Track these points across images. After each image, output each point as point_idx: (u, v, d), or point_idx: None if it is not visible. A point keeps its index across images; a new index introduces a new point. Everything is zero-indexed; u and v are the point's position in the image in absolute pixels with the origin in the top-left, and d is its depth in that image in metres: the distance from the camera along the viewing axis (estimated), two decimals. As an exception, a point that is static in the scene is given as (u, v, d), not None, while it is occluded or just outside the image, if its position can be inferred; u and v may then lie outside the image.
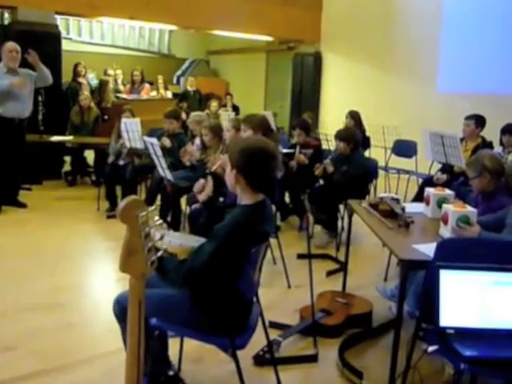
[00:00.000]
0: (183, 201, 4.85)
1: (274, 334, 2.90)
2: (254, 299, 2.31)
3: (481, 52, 7.64)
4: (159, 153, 4.31)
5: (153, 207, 1.38)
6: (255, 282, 2.19)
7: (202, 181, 2.37)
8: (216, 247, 1.89)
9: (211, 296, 2.00)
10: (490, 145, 5.18)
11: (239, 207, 2.06)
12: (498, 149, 5.08)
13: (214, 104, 8.97)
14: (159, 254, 1.37)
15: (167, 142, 5.28)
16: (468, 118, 5.33)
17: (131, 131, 5.37)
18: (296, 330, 2.97)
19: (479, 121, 5.30)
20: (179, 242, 2.02)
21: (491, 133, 5.31)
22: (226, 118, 7.12)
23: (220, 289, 1.98)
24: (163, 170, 4.39)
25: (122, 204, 1.32)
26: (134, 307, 1.30)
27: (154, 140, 4.48)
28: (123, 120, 5.51)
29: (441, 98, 8.11)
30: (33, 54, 5.31)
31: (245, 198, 2.06)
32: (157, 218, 1.41)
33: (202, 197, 2.35)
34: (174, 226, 4.72)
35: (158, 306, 2.02)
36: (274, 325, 3.05)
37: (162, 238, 1.39)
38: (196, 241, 2.03)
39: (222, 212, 2.13)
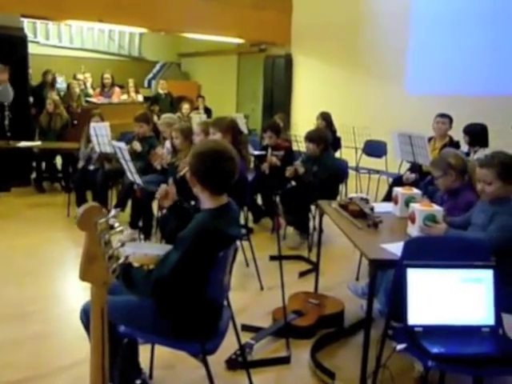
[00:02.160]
0: (155, 205, 4.81)
1: (246, 337, 2.90)
2: (225, 303, 2.30)
3: (448, 53, 7.79)
4: (127, 157, 4.27)
5: (112, 213, 1.36)
6: (225, 285, 2.18)
7: (164, 186, 2.34)
8: (182, 255, 1.87)
9: (179, 303, 1.97)
10: (456, 144, 5.28)
11: (202, 212, 2.04)
12: (464, 148, 5.18)
13: (185, 106, 8.92)
14: (120, 261, 1.35)
15: (138, 145, 5.24)
16: (442, 116, 5.37)
17: (100, 135, 5.31)
18: (268, 332, 2.97)
19: (451, 120, 5.39)
20: (144, 251, 2.00)
21: (456, 133, 5.42)
22: (197, 120, 7.08)
23: (188, 296, 1.96)
24: (132, 174, 4.34)
25: (80, 211, 1.30)
26: (97, 316, 1.28)
27: (122, 144, 4.43)
28: (92, 124, 5.44)
29: (409, 99, 8.24)
30: (5, 70, 5.14)
31: (207, 203, 2.05)
32: (117, 224, 1.39)
33: (166, 203, 2.33)
34: (146, 231, 4.68)
35: (126, 314, 2.00)
36: (246, 328, 3.05)
37: (122, 245, 1.37)
38: (161, 249, 2.01)
39: (190, 216, 2.10)
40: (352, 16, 9.09)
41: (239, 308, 3.31)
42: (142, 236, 4.80)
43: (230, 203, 2.09)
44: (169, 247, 1.97)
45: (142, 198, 4.58)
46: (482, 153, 4.91)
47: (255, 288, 3.78)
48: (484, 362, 1.93)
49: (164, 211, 4.02)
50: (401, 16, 8.40)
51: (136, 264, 1.97)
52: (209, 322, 2.03)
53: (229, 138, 3.66)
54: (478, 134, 5.11)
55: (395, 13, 8.48)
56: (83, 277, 1.27)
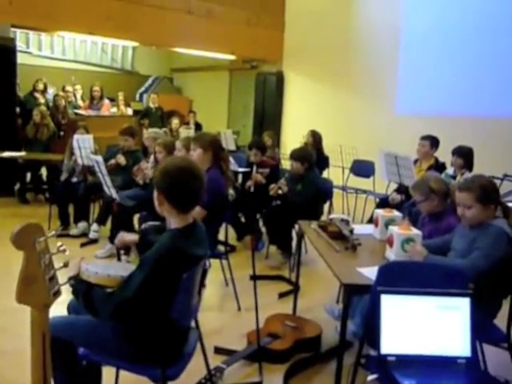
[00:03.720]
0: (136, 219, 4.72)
1: (219, 360, 2.81)
2: (193, 325, 2.21)
3: (438, 74, 7.83)
4: (104, 171, 4.21)
5: (52, 232, 1.28)
6: (193, 307, 2.09)
7: (120, 236, 2.37)
8: (145, 276, 1.80)
9: (141, 326, 1.90)
10: (442, 165, 5.25)
11: (167, 232, 1.98)
12: (450, 170, 5.15)
13: (175, 121, 8.91)
14: (64, 283, 1.26)
15: (122, 159, 5.18)
16: (424, 138, 5.40)
17: (84, 148, 5.25)
18: (241, 355, 2.87)
19: (434, 142, 5.37)
20: (107, 272, 1.92)
21: (445, 154, 5.39)
22: (186, 135, 7.05)
23: (150, 318, 1.88)
24: (108, 188, 4.28)
25: (16, 229, 1.22)
26: (37, 341, 1.20)
27: (99, 158, 4.39)
28: (75, 136, 5.38)
29: (398, 119, 8.26)
30: None
31: (173, 222, 1.98)
32: (59, 243, 1.31)
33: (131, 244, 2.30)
34: (123, 248, 4.57)
35: (86, 334, 1.91)
36: (219, 350, 2.95)
37: (65, 265, 1.29)
38: (125, 270, 1.93)
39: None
40: (343, 35, 9.14)
41: (214, 329, 3.23)
42: (122, 251, 4.70)
43: (197, 223, 2.02)
44: (132, 268, 1.90)
45: (119, 212, 4.49)
46: (467, 175, 4.89)
47: (232, 308, 3.68)
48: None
49: (144, 225, 3.94)
50: (391, 36, 8.45)
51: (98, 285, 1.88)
52: (171, 345, 1.94)
53: (210, 154, 3.60)
54: (469, 156, 5.10)
55: (385, 33, 8.54)
56: (19, 299, 1.19)
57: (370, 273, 2.35)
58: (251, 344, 2.99)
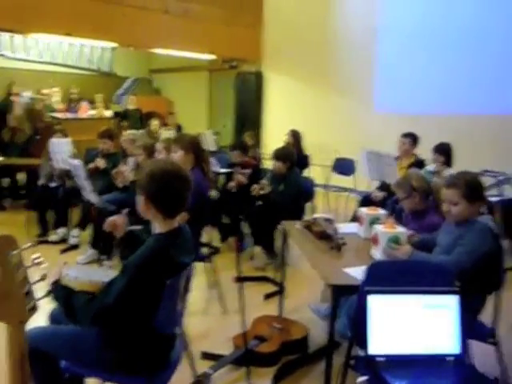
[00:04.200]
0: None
1: (206, 366, 2.76)
2: (179, 331, 2.16)
3: (415, 73, 7.88)
4: (83, 175, 4.12)
5: (28, 244, 1.22)
6: (178, 314, 2.04)
7: (110, 219, 2.22)
8: (127, 282, 1.74)
9: (124, 334, 1.84)
10: (422, 162, 5.28)
11: (152, 237, 1.91)
12: (430, 166, 5.17)
13: (154, 123, 8.81)
14: (42, 297, 1.21)
15: (101, 162, 5.09)
16: (404, 135, 5.43)
17: (61, 152, 5.15)
18: (228, 360, 2.83)
19: (414, 139, 5.41)
20: (88, 277, 1.86)
21: (424, 151, 5.43)
22: (166, 136, 6.97)
23: (134, 326, 1.82)
24: (88, 193, 4.19)
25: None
26: (14, 359, 1.14)
27: (77, 162, 4.30)
28: (53, 140, 5.27)
29: (377, 118, 8.29)
30: None
31: (157, 226, 1.92)
32: (35, 256, 1.25)
33: (117, 234, 2.21)
34: (107, 251, 4.49)
35: (67, 346, 1.85)
36: (206, 355, 2.90)
37: (42, 279, 1.23)
38: (107, 275, 1.88)
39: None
40: (322, 35, 9.14)
41: (200, 334, 3.17)
42: (103, 257, 4.62)
43: (182, 227, 1.97)
44: (114, 273, 1.84)
45: (99, 217, 4.40)
46: (447, 172, 4.92)
47: (218, 312, 3.64)
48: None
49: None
50: (368, 35, 8.48)
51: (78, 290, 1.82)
52: (157, 353, 1.89)
53: (191, 156, 3.55)
54: (449, 153, 5.13)
55: (363, 32, 8.57)
56: (-6, 315, 1.13)
57: (357, 273, 2.33)
58: (238, 347, 2.95)
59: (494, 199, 3.77)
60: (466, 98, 7.34)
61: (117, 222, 2.20)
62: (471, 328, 2.47)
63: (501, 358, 2.51)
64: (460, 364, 2.03)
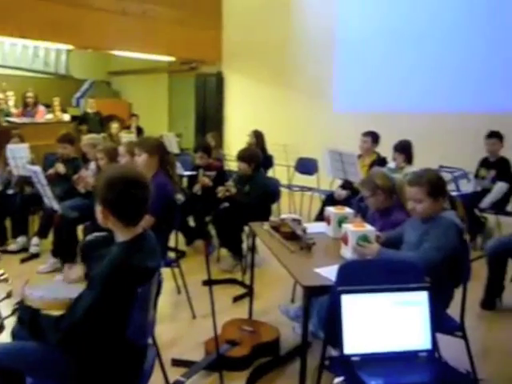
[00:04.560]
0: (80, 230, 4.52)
1: (178, 373, 2.71)
2: (150, 341, 2.11)
3: (373, 72, 8.01)
4: (43, 181, 4.00)
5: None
6: (149, 322, 1.99)
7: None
8: (95, 295, 1.67)
9: (95, 349, 1.77)
10: (384, 160, 5.37)
11: (115, 246, 1.84)
12: (391, 164, 5.26)
13: (114, 126, 8.68)
14: (8, 316, 1.14)
15: (61, 167, 4.96)
16: (365, 134, 5.51)
17: (19, 158, 4.98)
18: (200, 366, 2.78)
19: (375, 137, 5.49)
20: (54, 295, 1.78)
21: (384, 149, 5.52)
22: (127, 140, 6.85)
23: (105, 340, 1.76)
24: (49, 199, 4.07)
25: None
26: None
27: (37, 168, 4.17)
28: (9, 146, 5.10)
29: (338, 117, 8.39)
30: None
31: (120, 235, 1.85)
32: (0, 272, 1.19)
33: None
34: (70, 259, 4.37)
35: (34, 361, 1.77)
36: (177, 363, 2.85)
37: (8, 296, 1.17)
38: (73, 291, 1.80)
39: None
40: (281, 35, 9.17)
41: (170, 340, 3.12)
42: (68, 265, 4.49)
43: (146, 233, 1.91)
44: (81, 289, 1.76)
45: (61, 224, 4.28)
46: (408, 169, 5.01)
47: (187, 317, 3.58)
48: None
49: (88, 237, 3.77)
50: (327, 36, 8.57)
51: (44, 310, 1.74)
52: (130, 366, 1.83)
53: (155, 159, 3.49)
54: (409, 150, 5.23)
55: (322, 33, 8.66)
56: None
57: (328, 273, 2.33)
58: (209, 353, 2.91)
59: (453, 194, 3.85)
60: (423, 97, 7.50)
61: (71, 276, 2.14)
62: (440, 322, 2.51)
63: (469, 351, 2.56)
64: (432, 359, 2.06)
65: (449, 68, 7.26)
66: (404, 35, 7.66)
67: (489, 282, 3.90)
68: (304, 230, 2.94)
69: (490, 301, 3.89)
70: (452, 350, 2.60)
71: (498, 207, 5.34)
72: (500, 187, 5.30)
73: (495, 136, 5.49)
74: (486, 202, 5.30)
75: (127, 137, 7.63)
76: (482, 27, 6.95)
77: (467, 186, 5.60)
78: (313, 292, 2.30)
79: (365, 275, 2.14)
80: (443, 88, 7.33)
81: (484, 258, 3.91)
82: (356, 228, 2.63)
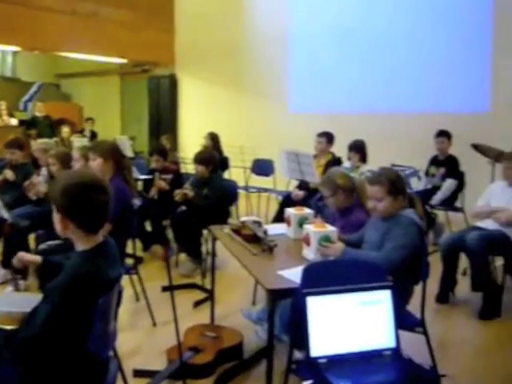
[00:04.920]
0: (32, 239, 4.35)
1: (140, 384, 2.63)
2: (111, 353, 2.03)
3: (326, 75, 8.11)
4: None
5: None
6: (110, 334, 1.91)
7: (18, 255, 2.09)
8: (52, 309, 1.59)
9: (53, 365, 1.68)
10: (339, 160, 5.44)
11: (75, 255, 1.76)
12: (346, 164, 5.33)
13: (65, 130, 8.45)
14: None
15: (10, 174, 4.75)
16: (320, 135, 5.57)
17: (-36, 165, 4.74)
18: (163, 376, 2.70)
19: (330, 138, 5.56)
20: (7, 308, 1.68)
21: (337, 149, 5.59)
22: (80, 144, 6.66)
23: (64, 355, 1.67)
24: (-2, 208, 3.90)
25: None
26: None
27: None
28: (-50, 153, 4.85)
29: (293, 118, 8.46)
30: None
31: (80, 244, 1.77)
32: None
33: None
34: (20, 271, 4.19)
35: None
36: (139, 373, 2.75)
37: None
38: (28, 304, 1.70)
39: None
40: (235, 37, 9.17)
41: (130, 350, 3.03)
42: (18, 276, 4.30)
43: (107, 240, 1.83)
44: (37, 301, 1.67)
45: (12, 233, 4.10)
46: (363, 168, 5.09)
47: (147, 325, 3.48)
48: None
49: (42, 246, 3.64)
50: (281, 38, 8.63)
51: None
52: (91, 381, 1.75)
53: (111, 163, 3.39)
54: (363, 150, 5.32)
55: (276, 34, 8.71)
56: None
57: (292, 275, 2.31)
58: (172, 361, 2.84)
59: (412, 192, 3.93)
60: (376, 98, 7.65)
61: (25, 258, 2.04)
62: (401, 319, 2.54)
63: (430, 347, 2.60)
64: (397, 357, 2.07)
65: (401, 69, 7.44)
66: (357, 36, 7.79)
67: (443, 276, 4.01)
68: (265, 232, 2.92)
69: (444, 295, 4.01)
70: (412, 346, 2.63)
71: (448, 203, 5.51)
72: (449, 184, 5.47)
73: (444, 135, 5.67)
74: (437, 198, 5.45)
75: (79, 141, 7.43)
76: (437, 29, 7.15)
77: (418, 184, 5.74)
78: (277, 295, 2.27)
79: (328, 276, 2.13)
80: (395, 89, 7.51)
81: (436, 254, 4.01)
82: (317, 229, 2.62)
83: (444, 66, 7.09)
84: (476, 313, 3.76)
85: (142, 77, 10.82)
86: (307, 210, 3.19)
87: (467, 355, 3.21)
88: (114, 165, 3.40)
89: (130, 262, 3.80)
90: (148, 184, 5.21)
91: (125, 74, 11.74)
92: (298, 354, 2.42)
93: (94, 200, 1.74)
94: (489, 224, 3.94)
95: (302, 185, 5.33)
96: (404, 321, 2.56)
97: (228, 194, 4.73)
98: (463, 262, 4.11)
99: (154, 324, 3.49)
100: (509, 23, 6.54)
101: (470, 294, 3.95)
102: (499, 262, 4.14)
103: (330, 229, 2.67)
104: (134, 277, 3.68)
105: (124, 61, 10.02)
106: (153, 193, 4.97)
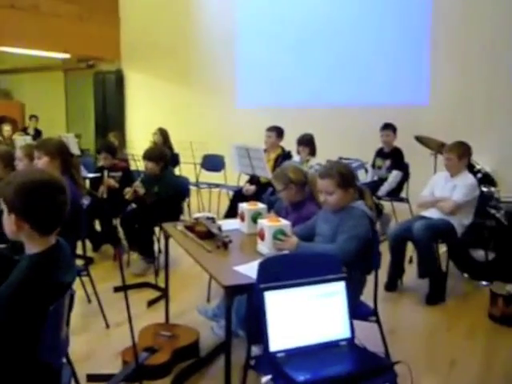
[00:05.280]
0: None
1: (94, 388, 2.57)
2: (64, 360, 1.96)
3: (273, 69, 8.16)
4: None
5: None
6: (62, 341, 1.83)
7: None
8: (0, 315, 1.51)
9: (2, 376, 1.59)
10: (289, 154, 5.48)
11: (25, 259, 1.66)
12: (296, 158, 5.39)
13: (6, 128, 8.13)
14: None
15: None
16: (269, 129, 5.59)
17: None
18: (118, 379, 2.63)
19: (279, 132, 5.59)
20: None
21: (285, 143, 5.63)
22: (22, 143, 6.41)
23: (13, 365, 1.59)
24: None
25: None
26: None
27: None
28: None
29: (242, 113, 8.46)
30: None
31: (32, 246, 1.68)
32: None
33: None
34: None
35: None
36: (94, 378, 2.67)
37: None
38: None
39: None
40: (181, 33, 9.08)
41: (83, 355, 2.93)
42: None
43: (60, 243, 1.76)
44: None
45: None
46: (313, 162, 5.16)
47: (100, 327, 3.39)
48: (349, 381, 1.88)
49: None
50: (229, 32, 8.62)
51: None
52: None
53: (57, 162, 3.27)
54: (312, 144, 5.38)
55: (222, 30, 8.70)
56: None
57: (248, 270, 2.31)
58: (127, 363, 2.78)
59: (360, 184, 4.02)
60: (322, 91, 7.76)
61: None
62: (355, 309, 2.59)
63: (383, 335, 2.67)
64: (352, 347, 2.11)
65: (348, 62, 7.56)
66: (303, 28, 7.87)
67: (391, 265, 4.13)
68: (219, 228, 2.90)
69: (393, 283, 4.14)
70: (364, 334, 2.69)
71: (393, 194, 5.67)
72: (395, 176, 5.64)
73: (389, 128, 5.82)
74: (383, 190, 5.61)
75: (22, 139, 7.15)
76: (380, 26, 7.31)
77: (365, 176, 5.88)
78: (235, 291, 2.26)
79: (284, 270, 2.14)
80: (341, 82, 7.64)
81: (384, 243, 4.12)
82: (272, 223, 2.63)
83: (387, 61, 7.27)
84: (423, 299, 3.90)
85: (87, 72, 10.53)
86: (260, 205, 3.19)
87: (417, 340, 3.33)
88: (60, 163, 3.28)
89: (80, 263, 3.69)
90: (96, 182, 5.08)
91: (69, 70, 11.40)
92: (255, 349, 2.43)
93: (52, 199, 1.66)
94: (433, 213, 4.08)
95: (253, 179, 5.34)
96: (358, 311, 2.61)
97: (180, 191, 4.68)
98: (409, 250, 4.24)
99: (107, 326, 3.41)
100: (446, 23, 6.81)
101: (417, 281, 4.09)
102: (443, 249, 4.30)
103: (284, 222, 2.68)
104: (85, 278, 3.57)
105: (67, 56, 9.71)
106: (102, 191, 4.85)
